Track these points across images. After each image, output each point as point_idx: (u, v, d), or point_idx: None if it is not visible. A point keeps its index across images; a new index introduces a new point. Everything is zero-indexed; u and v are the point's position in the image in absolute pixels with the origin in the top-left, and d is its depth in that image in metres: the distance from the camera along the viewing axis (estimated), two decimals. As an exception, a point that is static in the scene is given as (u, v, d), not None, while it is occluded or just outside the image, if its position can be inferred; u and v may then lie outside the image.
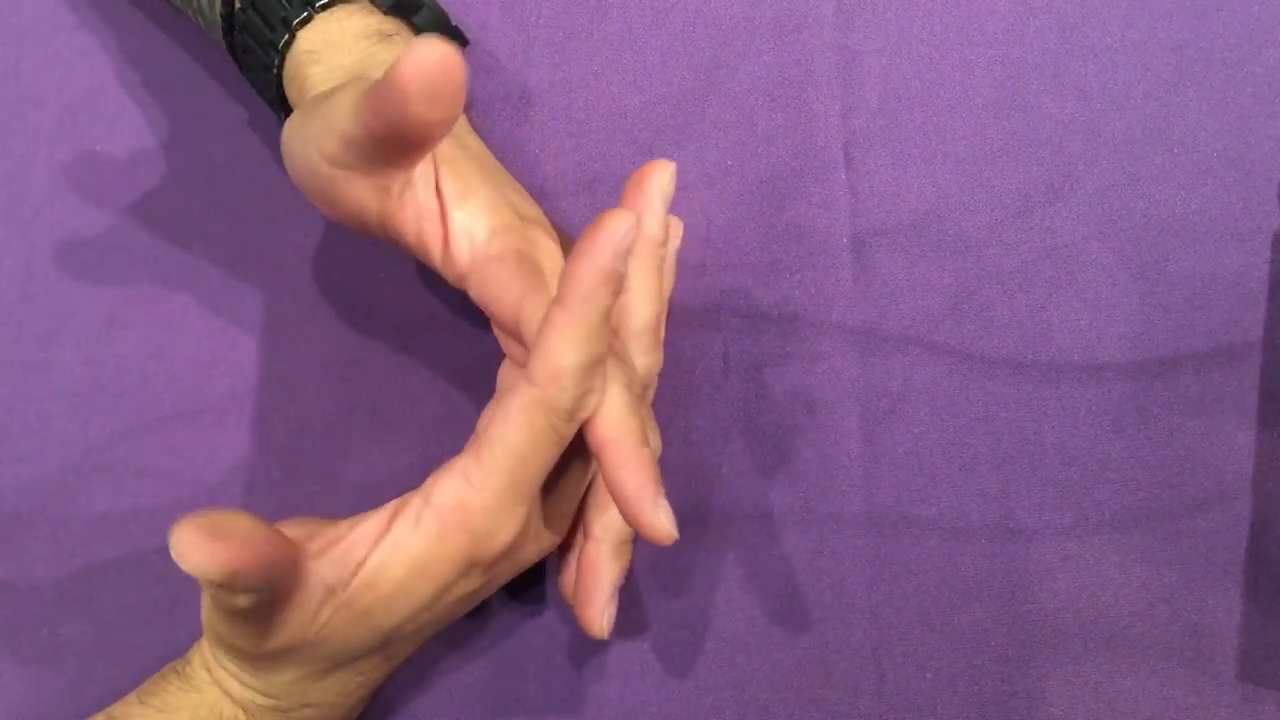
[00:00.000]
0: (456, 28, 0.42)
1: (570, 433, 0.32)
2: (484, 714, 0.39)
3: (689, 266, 0.41)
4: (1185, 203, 0.40)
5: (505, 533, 0.32)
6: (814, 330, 0.41)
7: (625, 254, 0.30)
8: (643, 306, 0.36)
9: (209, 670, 0.34)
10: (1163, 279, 0.40)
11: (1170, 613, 0.37)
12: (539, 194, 0.42)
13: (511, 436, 0.31)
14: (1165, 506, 0.38)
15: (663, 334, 0.38)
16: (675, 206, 0.42)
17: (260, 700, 0.34)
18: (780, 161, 0.42)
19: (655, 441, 0.37)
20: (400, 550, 0.31)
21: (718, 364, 0.41)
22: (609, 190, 0.42)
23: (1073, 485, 0.38)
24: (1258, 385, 0.38)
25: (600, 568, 0.35)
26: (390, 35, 0.38)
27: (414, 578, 0.32)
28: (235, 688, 0.34)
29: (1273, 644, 0.37)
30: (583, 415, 0.32)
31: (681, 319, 0.41)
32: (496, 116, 0.43)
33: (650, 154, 0.43)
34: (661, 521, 0.32)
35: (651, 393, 0.38)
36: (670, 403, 0.40)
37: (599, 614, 0.35)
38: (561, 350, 0.31)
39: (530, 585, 0.40)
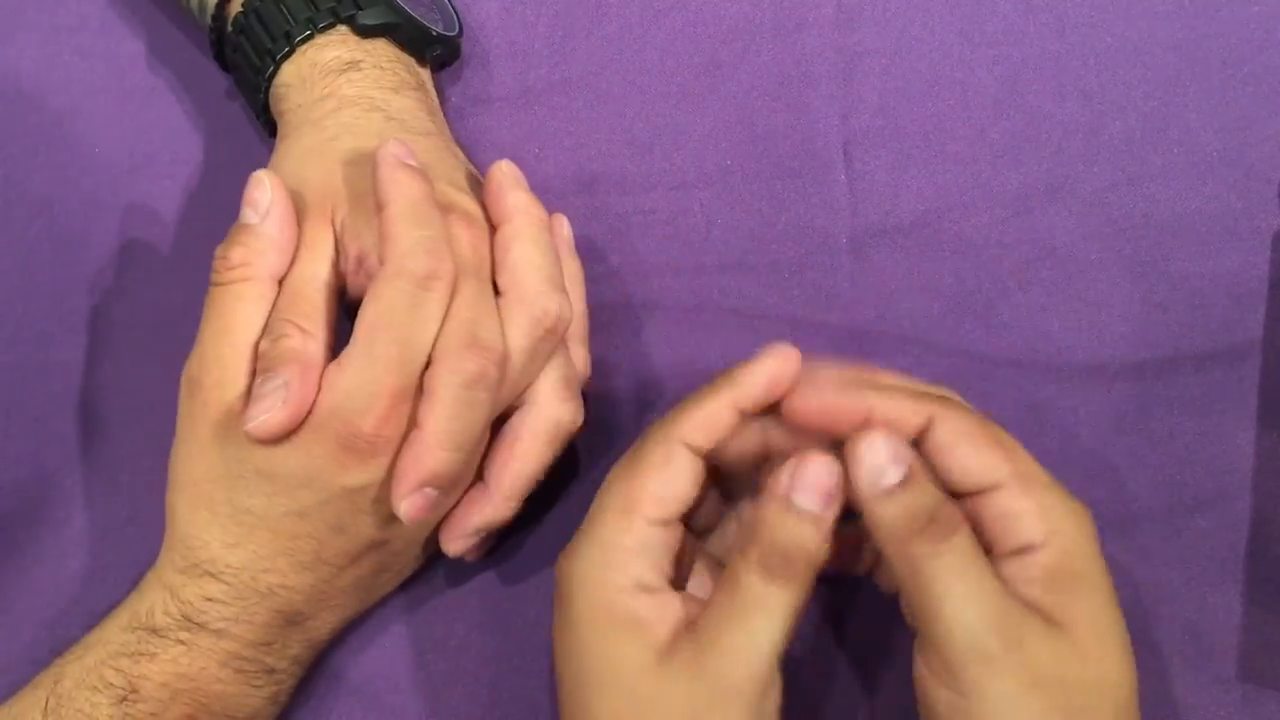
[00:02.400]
0: (439, 35, 0.42)
1: (425, 302, 0.33)
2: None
3: (689, 266, 0.41)
4: (1185, 203, 0.40)
5: (372, 414, 0.33)
6: (814, 330, 0.41)
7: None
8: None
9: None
10: (1163, 279, 0.40)
11: (1170, 612, 0.37)
12: (539, 194, 0.42)
13: (367, 309, 0.33)
14: (1165, 506, 0.38)
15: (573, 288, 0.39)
16: (675, 206, 0.42)
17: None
18: (780, 161, 0.42)
19: (583, 366, 0.39)
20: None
21: (717, 364, 0.41)
22: (609, 190, 0.42)
23: (1073, 486, 0.38)
24: (1258, 385, 0.38)
25: (478, 504, 0.36)
26: (354, 63, 0.40)
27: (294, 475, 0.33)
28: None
29: (1273, 643, 0.37)
30: (435, 283, 0.33)
31: (681, 319, 0.41)
32: (497, 116, 0.43)
33: (650, 154, 0.43)
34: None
35: (561, 335, 0.37)
36: (669, 403, 0.40)
37: (456, 540, 0.36)
38: (398, 231, 0.34)
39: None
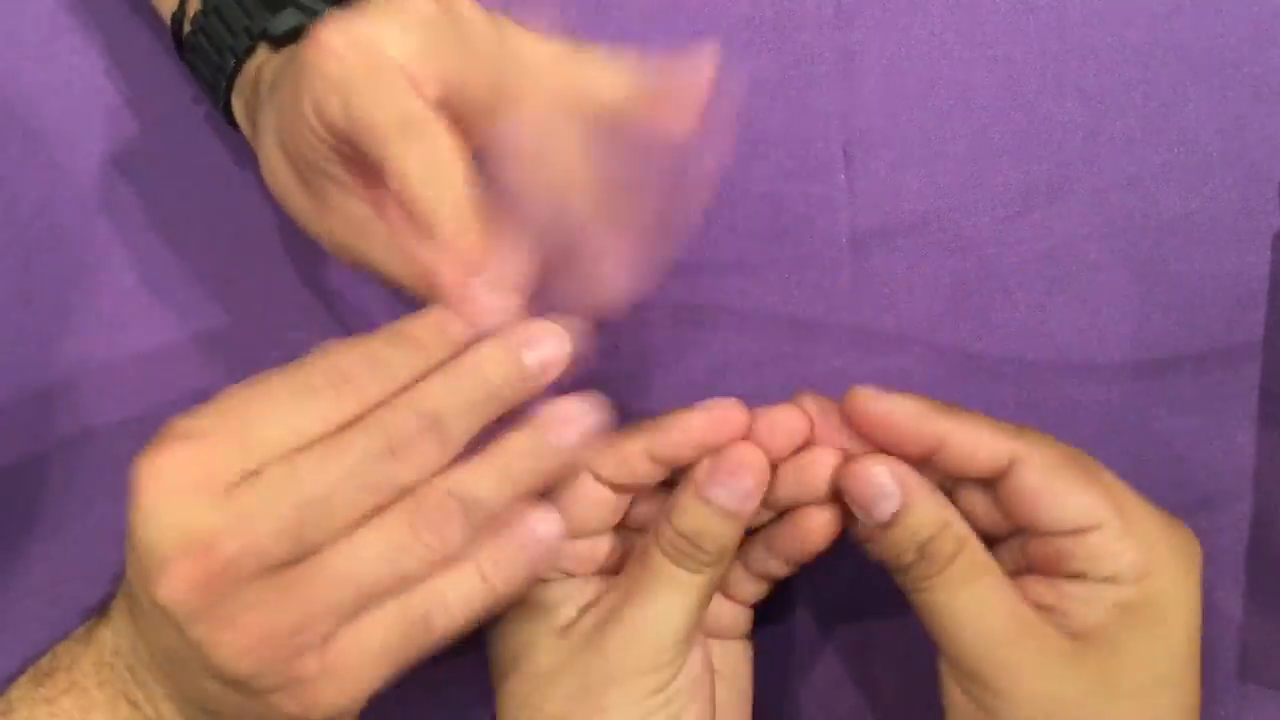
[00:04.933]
0: None
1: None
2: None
3: (689, 266, 0.41)
4: (1185, 203, 0.40)
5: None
6: (814, 330, 0.41)
7: None
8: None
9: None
10: (1163, 279, 0.40)
11: (1170, 612, 0.37)
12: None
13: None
14: (1165, 506, 0.38)
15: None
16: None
17: None
18: (780, 161, 0.42)
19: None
20: None
21: (717, 364, 0.41)
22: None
23: (1073, 485, 0.38)
24: (1258, 385, 0.38)
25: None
26: None
27: None
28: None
29: (1273, 643, 0.37)
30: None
31: (681, 319, 0.41)
32: (496, 116, 0.43)
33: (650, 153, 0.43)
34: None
35: None
36: (670, 403, 0.40)
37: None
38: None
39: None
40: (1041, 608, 0.31)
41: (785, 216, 0.41)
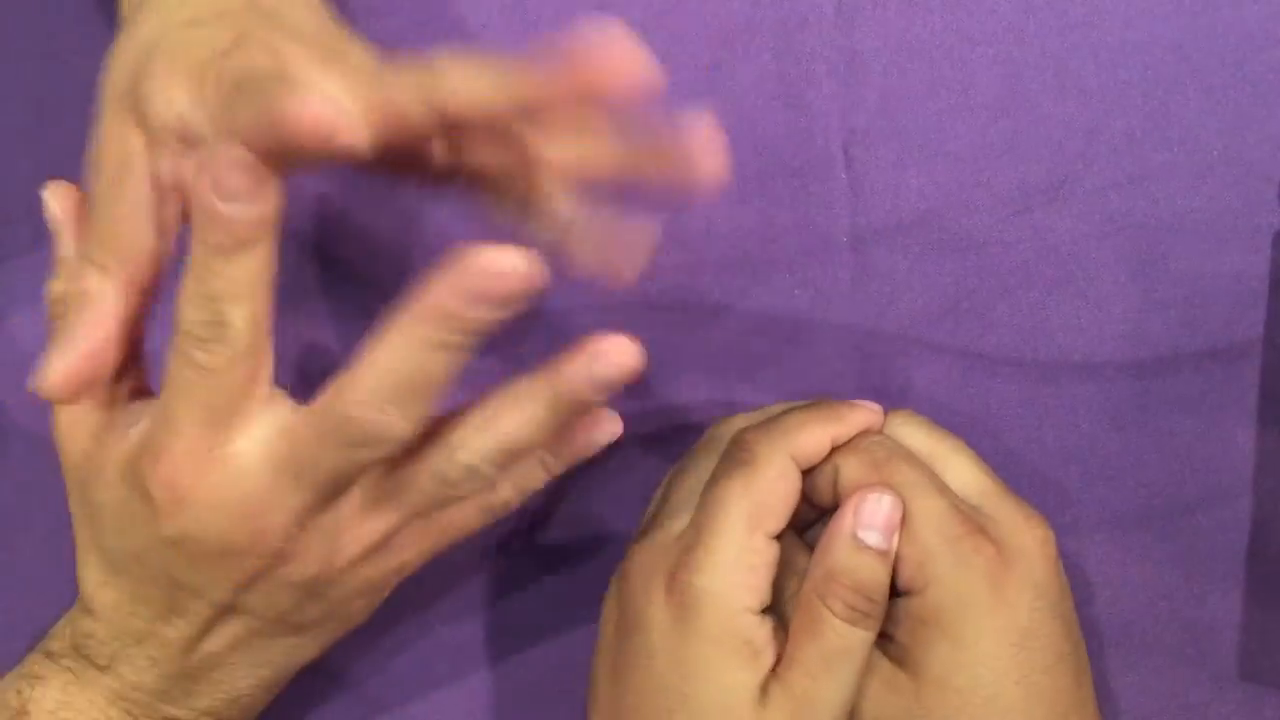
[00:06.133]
0: None
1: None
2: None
3: (689, 266, 0.41)
4: (1185, 202, 0.40)
5: (166, 456, 0.29)
6: (814, 330, 0.41)
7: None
8: None
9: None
10: (1163, 279, 0.40)
11: (1170, 611, 0.37)
12: (539, 194, 0.42)
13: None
14: (1165, 506, 0.38)
15: None
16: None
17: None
18: (780, 161, 0.42)
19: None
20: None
21: (717, 364, 0.41)
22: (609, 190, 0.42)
23: (1073, 485, 0.39)
24: (1258, 385, 0.38)
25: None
26: None
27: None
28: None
29: (1273, 642, 0.37)
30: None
31: (681, 319, 0.41)
32: (496, 116, 0.43)
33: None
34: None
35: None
36: (670, 404, 0.41)
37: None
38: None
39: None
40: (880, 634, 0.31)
41: (785, 216, 0.41)
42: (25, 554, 0.42)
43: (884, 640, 0.31)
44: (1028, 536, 0.31)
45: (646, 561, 0.32)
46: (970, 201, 0.41)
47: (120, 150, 0.30)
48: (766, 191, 0.42)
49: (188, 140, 0.30)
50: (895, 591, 0.31)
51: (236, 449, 0.29)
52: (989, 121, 0.41)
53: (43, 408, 0.42)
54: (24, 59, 0.46)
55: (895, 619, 0.31)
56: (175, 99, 0.29)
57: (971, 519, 0.31)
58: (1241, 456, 0.38)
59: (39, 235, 0.42)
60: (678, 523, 0.33)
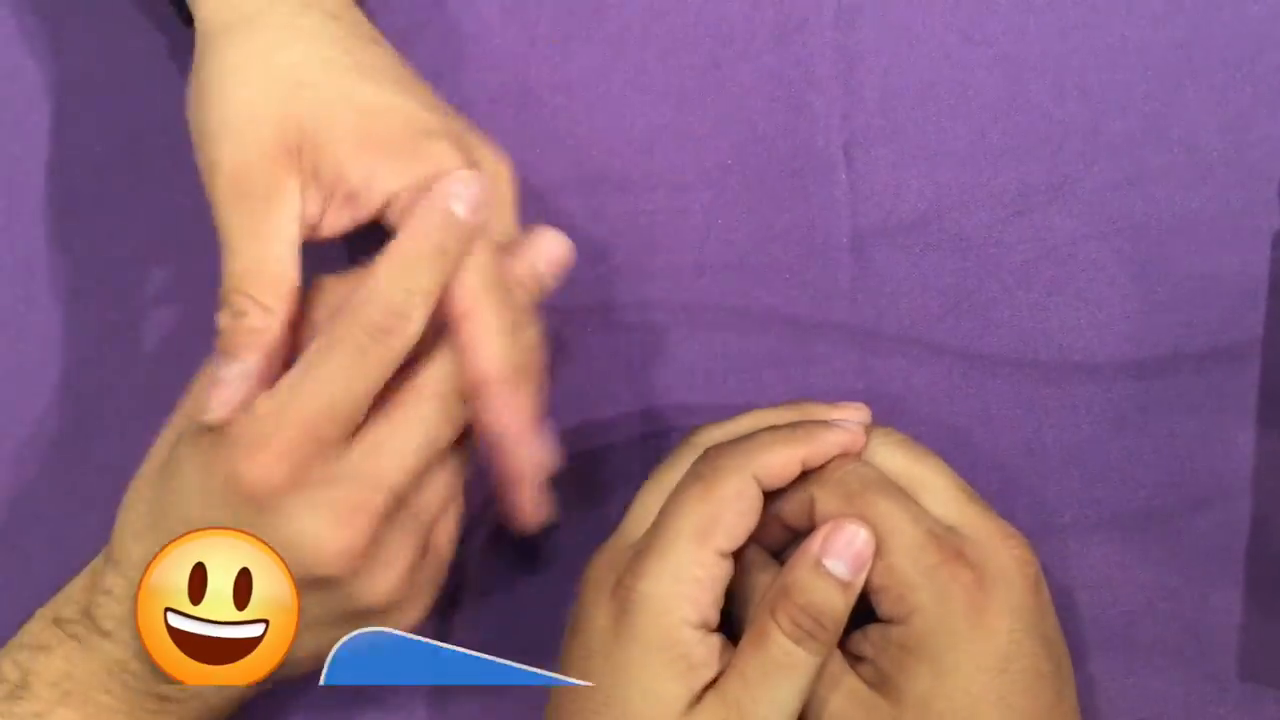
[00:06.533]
0: None
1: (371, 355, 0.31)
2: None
3: (689, 266, 0.41)
4: (1185, 203, 0.40)
5: (266, 451, 0.30)
6: (814, 330, 0.41)
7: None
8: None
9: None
10: (1163, 279, 0.40)
11: (1170, 611, 0.37)
12: (539, 194, 0.42)
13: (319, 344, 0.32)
14: (1165, 506, 0.38)
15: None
16: (675, 206, 0.42)
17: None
18: (780, 161, 0.42)
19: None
20: None
21: (717, 364, 0.41)
22: (609, 190, 0.42)
23: (1073, 485, 0.38)
24: (1258, 385, 0.38)
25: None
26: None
27: None
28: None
29: (1273, 643, 0.37)
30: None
31: (681, 319, 0.41)
32: (497, 116, 0.43)
33: (650, 154, 0.43)
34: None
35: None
36: (670, 404, 0.40)
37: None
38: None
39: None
40: (858, 658, 0.32)
41: (785, 216, 0.41)
42: (26, 554, 0.42)
43: (863, 665, 0.32)
44: (1006, 557, 0.31)
45: (602, 565, 0.33)
46: (970, 202, 0.41)
47: (277, 190, 0.33)
48: (767, 192, 0.42)
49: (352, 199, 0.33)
50: (878, 620, 0.32)
51: None
52: (989, 121, 0.41)
53: (43, 408, 0.42)
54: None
55: (878, 645, 0.31)
56: (347, 168, 0.33)
57: (949, 544, 0.31)
58: (1241, 457, 0.38)
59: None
60: (639, 531, 0.33)
